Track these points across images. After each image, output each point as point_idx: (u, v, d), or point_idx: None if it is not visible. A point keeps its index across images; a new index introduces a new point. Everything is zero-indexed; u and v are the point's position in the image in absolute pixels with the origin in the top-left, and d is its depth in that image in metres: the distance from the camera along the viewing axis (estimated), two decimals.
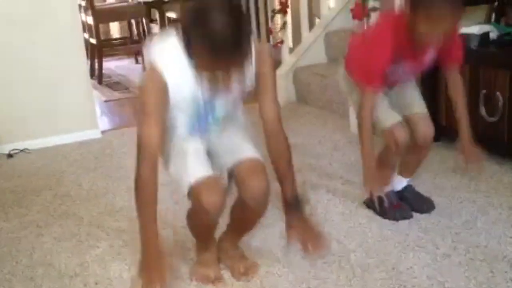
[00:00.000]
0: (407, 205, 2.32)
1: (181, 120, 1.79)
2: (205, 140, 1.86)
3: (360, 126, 2.13)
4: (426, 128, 2.19)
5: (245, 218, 1.91)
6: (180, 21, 1.63)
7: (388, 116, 2.14)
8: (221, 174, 1.82)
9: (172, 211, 2.38)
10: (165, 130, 1.76)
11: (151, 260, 1.69)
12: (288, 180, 1.81)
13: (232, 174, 1.82)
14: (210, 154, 1.86)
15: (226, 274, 1.98)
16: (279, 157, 1.81)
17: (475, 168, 2.18)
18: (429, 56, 2.09)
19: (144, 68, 1.77)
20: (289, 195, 1.81)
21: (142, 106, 1.69)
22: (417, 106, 2.23)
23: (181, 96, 1.70)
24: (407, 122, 2.17)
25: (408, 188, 2.36)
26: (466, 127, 2.18)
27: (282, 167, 1.80)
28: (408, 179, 2.36)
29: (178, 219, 2.21)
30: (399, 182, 2.36)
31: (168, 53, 1.66)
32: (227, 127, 1.87)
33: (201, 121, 1.81)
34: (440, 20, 1.88)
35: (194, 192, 1.72)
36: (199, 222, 1.86)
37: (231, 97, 1.77)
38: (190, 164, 1.77)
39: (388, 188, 2.31)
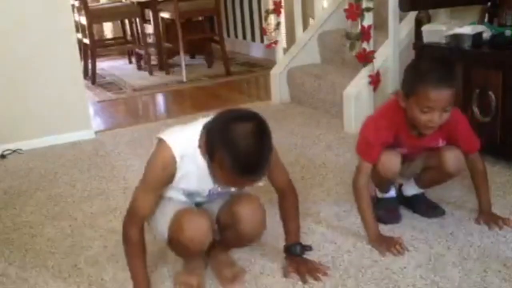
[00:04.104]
0: (416, 210, 2.31)
1: (174, 193, 1.81)
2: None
3: (357, 197, 2.13)
4: (455, 156, 2.10)
5: (238, 241, 1.91)
6: (210, 124, 1.63)
7: (386, 152, 2.11)
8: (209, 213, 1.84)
9: None
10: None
11: None
12: (293, 230, 1.95)
13: (224, 216, 1.84)
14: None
15: (216, 283, 1.97)
16: (287, 210, 1.94)
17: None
18: (434, 142, 2.11)
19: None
20: (292, 241, 1.95)
21: (145, 177, 1.72)
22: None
23: (186, 181, 1.73)
24: (431, 157, 2.16)
25: (419, 195, 2.34)
26: (487, 203, 2.22)
27: (290, 217, 1.94)
28: (422, 190, 2.34)
29: None
30: (411, 189, 2.34)
31: (186, 142, 1.67)
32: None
33: (194, 200, 1.86)
34: (435, 104, 1.91)
35: (174, 222, 1.73)
36: (180, 254, 1.91)
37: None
38: (173, 207, 1.78)
39: (391, 195, 2.32)
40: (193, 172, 1.69)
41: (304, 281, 1.89)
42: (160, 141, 1.69)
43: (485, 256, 1.99)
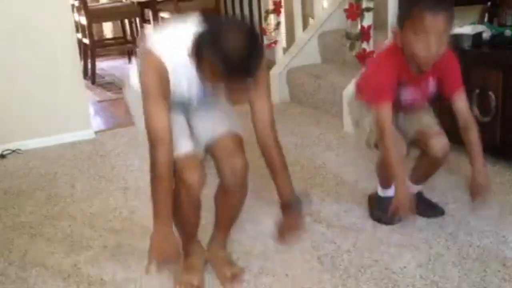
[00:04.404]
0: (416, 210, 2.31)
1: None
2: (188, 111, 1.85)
3: (385, 148, 2.03)
4: (442, 141, 2.12)
5: (228, 201, 1.91)
6: (197, 32, 1.59)
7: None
8: (199, 148, 1.82)
9: None
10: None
11: (163, 236, 1.69)
12: (283, 181, 1.81)
13: (208, 151, 1.85)
14: (189, 123, 1.86)
15: (215, 281, 1.97)
16: (271, 157, 1.80)
17: (479, 200, 2.10)
18: (431, 83, 2.10)
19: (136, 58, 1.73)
20: (285, 197, 1.81)
21: (145, 91, 1.65)
22: (430, 123, 2.19)
23: (177, 80, 1.67)
24: (420, 136, 2.14)
25: (418, 195, 2.34)
26: (480, 158, 2.09)
27: (275, 167, 1.80)
28: (420, 186, 2.33)
29: None
30: (410, 188, 2.33)
31: (170, 41, 1.65)
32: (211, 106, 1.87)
33: (187, 104, 1.80)
34: (430, 28, 1.88)
35: (176, 167, 1.73)
36: (182, 201, 1.81)
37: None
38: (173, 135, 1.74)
39: (389, 194, 2.31)
40: (179, 64, 1.64)
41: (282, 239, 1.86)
42: (147, 51, 1.65)
43: (484, 256, 1.99)
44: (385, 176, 2.26)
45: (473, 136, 2.08)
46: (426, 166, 2.23)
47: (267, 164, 1.81)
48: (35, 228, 2.46)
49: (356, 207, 2.41)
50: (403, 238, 2.14)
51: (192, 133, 1.84)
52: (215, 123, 1.85)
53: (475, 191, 2.08)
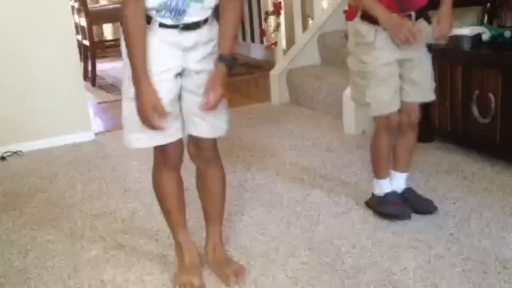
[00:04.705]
0: (408, 206, 2.32)
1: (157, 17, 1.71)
2: (182, 59, 1.78)
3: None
4: (416, 114, 2.23)
5: (206, 185, 1.97)
6: None
7: (390, 104, 2.18)
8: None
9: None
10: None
11: (147, 94, 1.68)
12: (228, 36, 1.79)
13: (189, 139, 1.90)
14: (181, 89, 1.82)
15: (216, 282, 1.97)
16: (228, 10, 1.78)
17: (441, 41, 2.14)
18: None
19: None
20: (225, 50, 1.77)
21: None
22: (420, 92, 2.22)
23: None
24: (402, 105, 2.21)
25: (407, 190, 2.37)
26: (449, 1, 2.12)
27: (227, 20, 1.78)
28: (405, 174, 2.35)
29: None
30: (398, 179, 2.36)
31: None
32: (203, 47, 1.79)
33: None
34: None
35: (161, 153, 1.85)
36: (162, 178, 1.91)
37: None
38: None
39: (390, 189, 2.34)
40: None
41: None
42: None
43: (484, 258, 1.99)
44: (377, 166, 2.31)
45: None
46: (399, 145, 2.29)
47: (220, 19, 1.79)
48: (36, 230, 2.46)
49: (356, 208, 2.42)
50: (403, 239, 2.14)
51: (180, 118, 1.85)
52: (200, 118, 1.82)
53: (438, 31, 2.11)
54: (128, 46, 1.68)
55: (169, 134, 1.79)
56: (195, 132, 1.85)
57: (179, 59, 1.75)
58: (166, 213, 1.98)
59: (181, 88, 1.80)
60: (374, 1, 2.08)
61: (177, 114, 1.81)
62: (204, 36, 1.77)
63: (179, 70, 1.76)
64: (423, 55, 2.20)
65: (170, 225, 2.00)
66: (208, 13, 1.76)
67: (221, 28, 1.80)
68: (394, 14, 2.06)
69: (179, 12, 1.70)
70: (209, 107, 1.77)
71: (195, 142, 1.88)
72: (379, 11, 2.06)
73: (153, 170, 1.94)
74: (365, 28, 2.16)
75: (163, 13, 1.69)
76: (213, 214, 2.02)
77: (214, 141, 1.90)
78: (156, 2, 1.67)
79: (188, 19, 1.72)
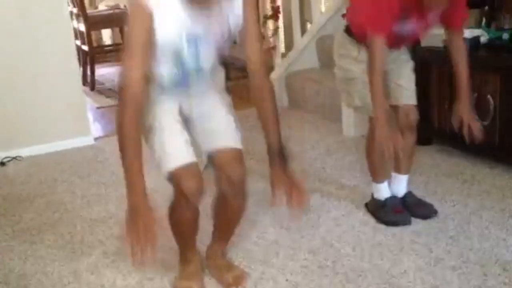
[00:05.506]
0: (408, 210, 2.32)
1: (163, 67, 1.69)
2: (186, 105, 1.81)
3: (371, 82, 1.99)
4: (413, 115, 2.23)
5: (226, 212, 1.89)
6: None
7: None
8: (201, 156, 1.82)
9: None
10: (149, 79, 1.66)
11: (138, 211, 1.55)
12: (273, 129, 1.74)
13: (210, 158, 1.84)
14: (189, 126, 1.83)
15: (214, 285, 1.97)
16: (262, 100, 1.75)
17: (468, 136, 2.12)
18: (435, 16, 2.03)
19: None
20: (274, 146, 1.74)
21: (127, 42, 1.58)
22: (409, 95, 2.23)
23: (165, 31, 1.58)
24: (394, 107, 2.19)
25: (408, 194, 2.37)
26: (466, 92, 2.14)
27: (266, 112, 1.75)
28: (406, 176, 2.35)
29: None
30: (399, 182, 2.36)
31: None
32: (208, 93, 1.84)
33: (184, 69, 1.71)
34: None
35: (174, 180, 1.72)
36: (181, 213, 1.81)
37: (215, 39, 1.69)
38: (170, 146, 1.73)
39: (389, 193, 2.34)
40: (169, 13, 1.57)
41: (290, 202, 1.71)
42: (133, 2, 1.57)
43: (484, 260, 1.99)
44: (375, 169, 2.31)
45: (463, 69, 2.16)
46: (403, 148, 2.22)
47: (257, 106, 1.76)
48: (35, 235, 2.46)
49: (356, 211, 2.42)
50: (403, 242, 2.14)
51: (192, 141, 1.82)
52: (216, 134, 1.83)
53: (459, 123, 2.13)
54: (122, 151, 1.64)
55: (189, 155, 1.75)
56: (215, 144, 1.81)
57: (182, 111, 1.81)
58: (179, 237, 1.92)
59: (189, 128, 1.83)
60: (379, 88, 1.98)
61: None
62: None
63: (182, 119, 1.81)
64: (403, 62, 2.25)
65: (180, 244, 1.95)
66: (208, 67, 1.79)
67: (263, 123, 1.76)
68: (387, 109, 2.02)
69: (186, 85, 1.77)
70: (302, 206, 1.71)
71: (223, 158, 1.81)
72: (377, 102, 1.99)
73: (172, 206, 1.82)
74: (348, 43, 2.19)
75: (171, 84, 1.75)
76: (225, 235, 2.01)
77: (243, 171, 1.81)
78: (167, 80, 1.72)
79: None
